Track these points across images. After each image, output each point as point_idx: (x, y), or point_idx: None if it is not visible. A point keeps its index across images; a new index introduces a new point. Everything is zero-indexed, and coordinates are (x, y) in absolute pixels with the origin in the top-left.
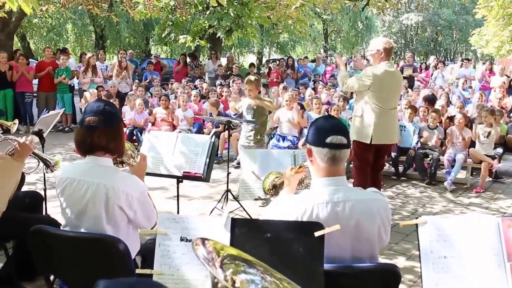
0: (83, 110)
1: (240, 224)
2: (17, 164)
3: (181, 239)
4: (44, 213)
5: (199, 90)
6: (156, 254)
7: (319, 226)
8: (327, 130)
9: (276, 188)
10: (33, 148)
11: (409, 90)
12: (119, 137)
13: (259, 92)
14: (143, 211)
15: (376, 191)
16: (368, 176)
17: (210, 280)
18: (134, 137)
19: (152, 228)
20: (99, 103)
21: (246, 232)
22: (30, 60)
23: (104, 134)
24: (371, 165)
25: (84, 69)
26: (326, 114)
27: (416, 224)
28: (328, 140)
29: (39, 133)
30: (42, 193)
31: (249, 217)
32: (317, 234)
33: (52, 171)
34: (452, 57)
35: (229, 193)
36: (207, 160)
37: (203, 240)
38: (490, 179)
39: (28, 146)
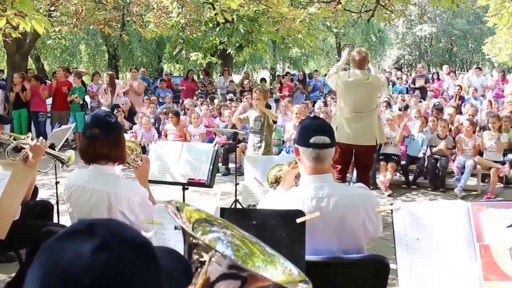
0: None
1: (228, 213)
2: (29, 170)
3: (175, 228)
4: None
5: (209, 105)
6: (152, 243)
7: (300, 213)
8: (311, 131)
9: (278, 182)
10: (45, 148)
11: (422, 100)
12: (120, 146)
13: (267, 104)
14: (144, 214)
15: (361, 185)
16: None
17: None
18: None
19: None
20: (99, 114)
21: (234, 220)
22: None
23: (105, 144)
24: (344, 166)
25: (104, 88)
26: None
27: (391, 210)
28: (312, 140)
29: (51, 147)
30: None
31: None
32: (298, 220)
33: (68, 167)
34: (468, 67)
35: (237, 203)
36: (211, 167)
37: (178, 211)
38: (502, 185)
39: (40, 146)
